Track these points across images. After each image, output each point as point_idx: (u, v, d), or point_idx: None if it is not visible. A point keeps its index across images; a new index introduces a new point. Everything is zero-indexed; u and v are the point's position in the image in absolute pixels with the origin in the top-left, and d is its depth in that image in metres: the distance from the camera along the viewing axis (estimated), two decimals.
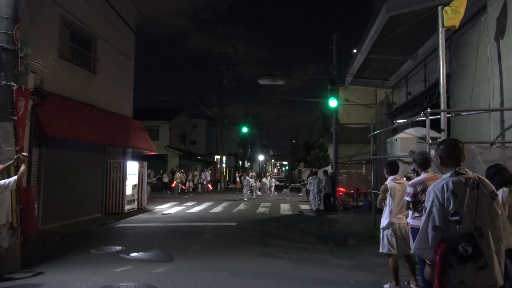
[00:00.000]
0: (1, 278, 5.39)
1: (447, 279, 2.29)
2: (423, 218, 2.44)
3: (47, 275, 5.69)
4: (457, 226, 2.30)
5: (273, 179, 23.94)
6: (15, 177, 5.56)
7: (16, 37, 5.96)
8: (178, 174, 22.61)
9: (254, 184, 21.62)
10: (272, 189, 22.47)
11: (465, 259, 2.27)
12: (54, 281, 5.42)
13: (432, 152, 5.55)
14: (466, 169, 2.45)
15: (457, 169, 2.44)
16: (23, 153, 5.85)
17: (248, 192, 20.48)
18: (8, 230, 5.65)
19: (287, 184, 22.80)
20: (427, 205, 2.42)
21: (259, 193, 22.39)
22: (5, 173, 5.72)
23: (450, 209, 2.32)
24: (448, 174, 2.45)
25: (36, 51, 8.99)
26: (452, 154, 2.50)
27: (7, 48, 5.86)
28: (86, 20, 11.45)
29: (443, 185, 2.39)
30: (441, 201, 2.35)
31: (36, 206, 6.45)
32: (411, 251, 2.54)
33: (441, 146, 2.58)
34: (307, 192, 19.13)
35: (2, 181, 5.42)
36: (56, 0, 9.89)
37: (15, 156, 5.79)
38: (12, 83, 5.89)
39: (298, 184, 26.13)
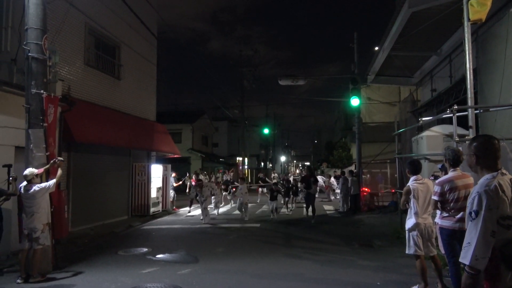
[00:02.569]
0: (34, 279, 5.60)
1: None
2: (475, 223, 2.15)
3: (77, 275, 5.88)
4: (508, 231, 2.12)
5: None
6: (54, 180, 5.86)
7: (44, 46, 6.20)
8: (201, 177, 22.81)
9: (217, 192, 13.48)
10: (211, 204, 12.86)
11: None
12: (84, 281, 5.59)
13: (461, 149, 5.39)
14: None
15: (502, 169, 2.27)
16: (59, 158, 6.15)
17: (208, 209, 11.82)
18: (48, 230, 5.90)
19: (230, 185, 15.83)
20: (477, 207, 2.15)
21: (221, 209, 14.30)
22: (40, 177, 5.97)
23: (503, 212, 2.13)
24: (495, 174, 2.24)
25: (63, 59, 9.30)
26: (488, 151, 2.31)
27: (36, 58, 6.10)
28: (110, 27, 11.77)
29: (495, 186, 2.16)
30: (495, 203, 2.13)
31: (66, 209, 6.68)
32: (460, 260, 2.22)
33: (475, 143, 2.37)
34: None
35: (43, 184, 5.74)
36: (81, 9, 10.22)
37: (51, 161, 6.07)
38: (42, 91, 6.12)
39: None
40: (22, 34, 6.64)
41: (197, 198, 12.33)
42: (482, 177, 2.29)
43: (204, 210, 11.62)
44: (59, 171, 6.04)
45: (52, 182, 5.83)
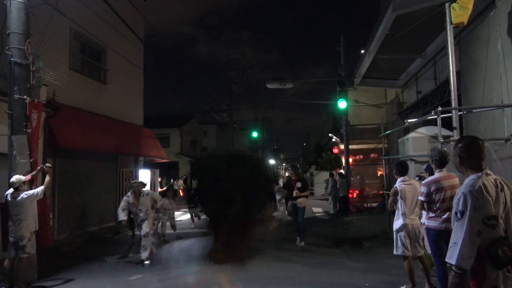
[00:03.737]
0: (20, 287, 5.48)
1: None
2: (461, 223, 2.19)
3: (63, 284, 5.77)
4: (493, 230, 2.18)
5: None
6: (42, 187, 5.75)
7: (28, 51, 6.09)
8: (180, 181, 22.32)
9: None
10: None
11: (504, 264, 2.15)
12: None
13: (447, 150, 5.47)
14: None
15: (486, 169, 2.32)
16: (47, 164, 6.02)
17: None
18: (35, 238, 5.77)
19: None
20: (462, 208, 2.20)
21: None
22: (28, 184, 5.82)
23: (487, 212, 2.18)
24: (479, 174, 2.29)
25: (47, 64, 9.16)
26: (473, 152, 2.36)
27: (19, 63, 5.98)
28: (95, 32, 11.64)
29: (480, 186, 2.21)
30: (480, 203, 2.18)
31: (51, 216, 6.55)
32: (447, 260, 2.25)
33: (460, 144, 2.43)
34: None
35: (31, 191, 5.61)
36: (66, 13, 10.09)
37: (38, 167, 5.95)
38: (25, 96, 6.01)
39: None
40: (4, 38, 6.51)
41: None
42: (467, 178, 2.34)
43: (145, 239, 7.01)
44: (47, 178, 5.91)
45: (40, 189, 5.69)
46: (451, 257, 2.19)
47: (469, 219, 2.16)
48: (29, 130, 6.07)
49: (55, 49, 9.82)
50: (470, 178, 2.30)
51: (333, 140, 17.78)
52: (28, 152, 6.04)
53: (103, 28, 11.97)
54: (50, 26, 9.42)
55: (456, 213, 2.23)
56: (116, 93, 12.93)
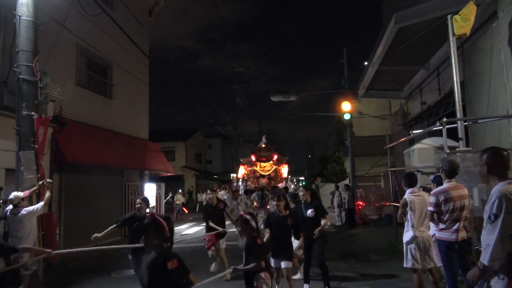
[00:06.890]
0: None
1: None
2: (494, 226, 2.28)
3: None
4: None
5: None
6: (42, 203, 5.72)
7: (35, 68, 6.20)
8: (178, 196, 22.07)
9: None
10: None
11: None
12: None
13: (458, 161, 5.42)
14: None
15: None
16: (47, 179, 6.03)
17: None
18: None
19: None
20: (496, 211, 2.29)
21: None
22: (27, 200, 5.85)
23: None
24: (509, 181, 2.39)
25: (54, 80, 9.30)
26: (499, 161, 2.48)
27: (27, 80, 6.09)
28: (101, 48, 11.83)
29: None
30: None
31: (57, 231, 6.55)
32: (481, 260, 2.36)
33: (486, 154, 2.55)
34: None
35: (31, 207, 5.57)
36: (73, 30, 10.28)
37: (39, 182, 5.96)
38: (33, 112, 6.09)
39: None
40: (13, 56, 6.65)
41: None
42: (498, 184, 2.43)
43: None
44: (48, 193, 5.88)
45: (40, 205, 5.66)
46: (484, 258, 2.30)
47: (502, 222, 2.25)
48: (36, 146, 6.13)
49: (62, 66, 9.98)
50: (501, 184, 2.39)
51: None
52: (35, 167, 6.09)
53: (109, 44, 12.16)
54: (57, 43, 9.61)
55: (489, 217, 2.33)
56: (121, 108, 13.06)
